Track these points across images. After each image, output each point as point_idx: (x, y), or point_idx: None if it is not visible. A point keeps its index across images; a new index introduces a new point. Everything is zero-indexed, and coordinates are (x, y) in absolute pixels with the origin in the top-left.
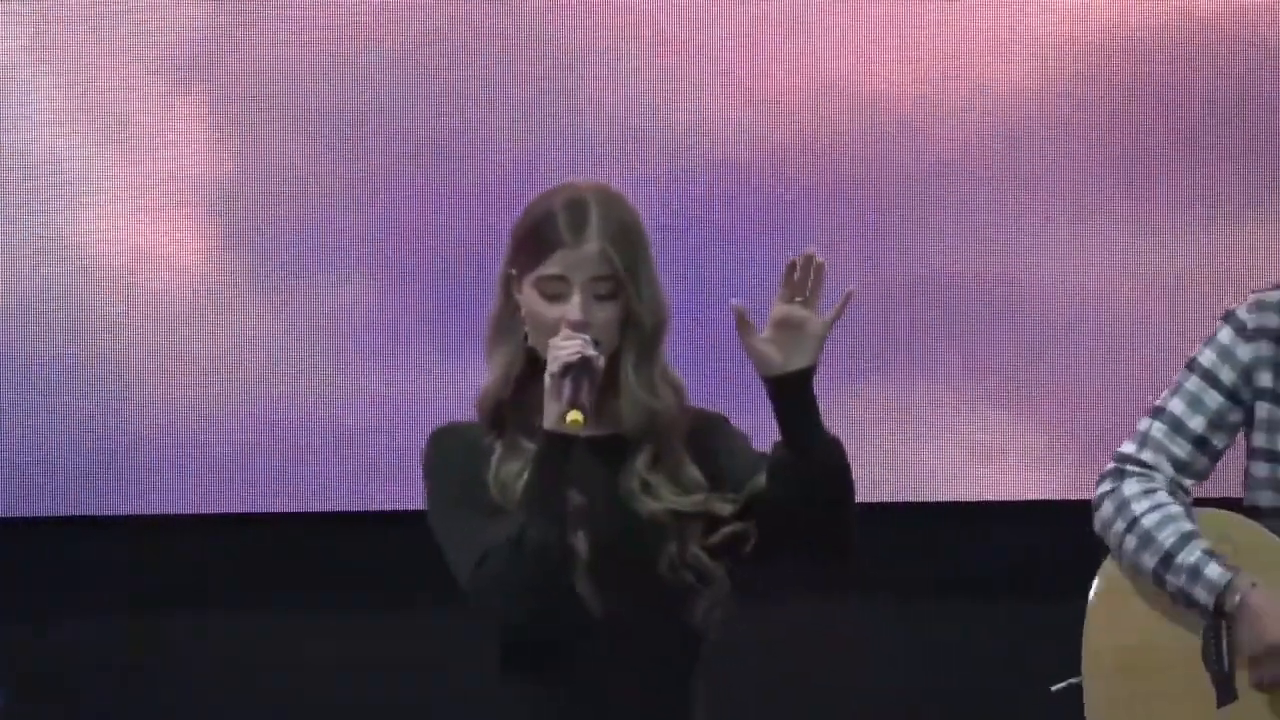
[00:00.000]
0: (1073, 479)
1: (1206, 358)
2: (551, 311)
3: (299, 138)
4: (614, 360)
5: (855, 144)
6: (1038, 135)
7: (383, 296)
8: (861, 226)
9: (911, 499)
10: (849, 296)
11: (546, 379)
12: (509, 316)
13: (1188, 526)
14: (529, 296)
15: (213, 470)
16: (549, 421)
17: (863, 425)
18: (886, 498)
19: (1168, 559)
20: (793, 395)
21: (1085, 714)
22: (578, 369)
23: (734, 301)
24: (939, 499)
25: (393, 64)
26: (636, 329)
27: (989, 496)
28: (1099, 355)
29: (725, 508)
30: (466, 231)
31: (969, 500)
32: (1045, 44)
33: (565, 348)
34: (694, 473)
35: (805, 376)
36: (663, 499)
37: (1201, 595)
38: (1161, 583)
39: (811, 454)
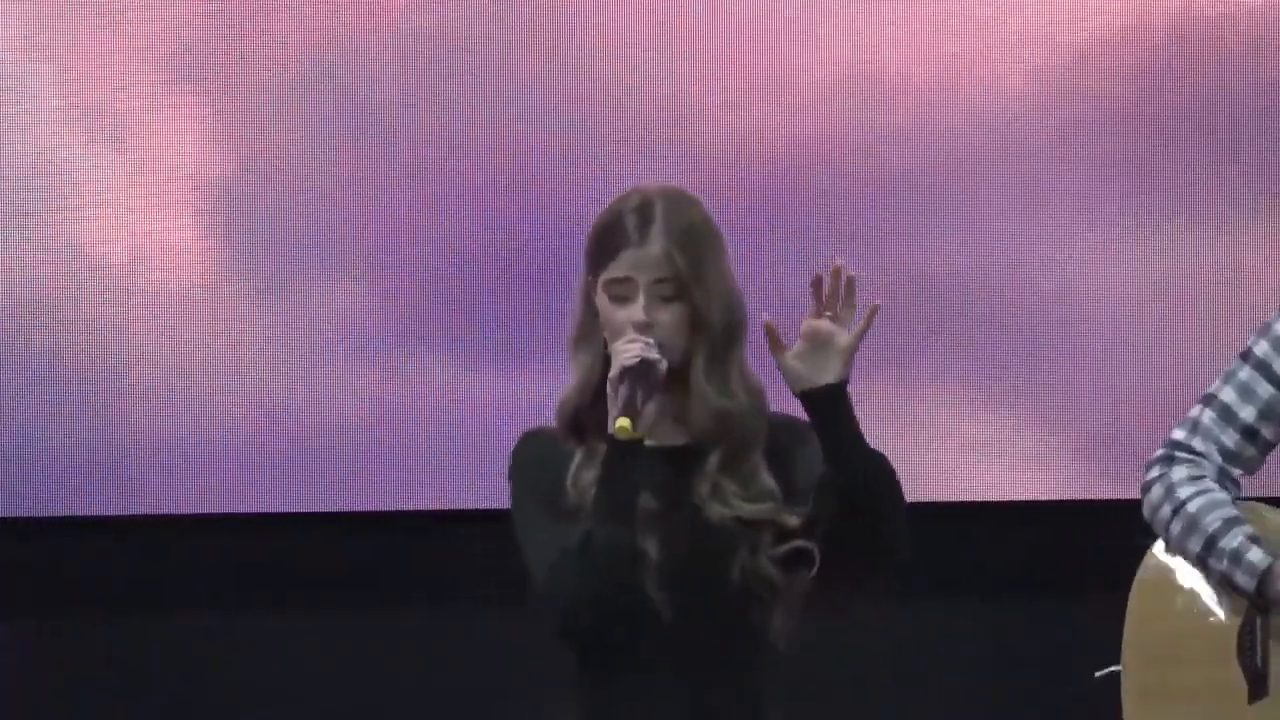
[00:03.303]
0: (1073, 479)
1: (1261, 348)
2: (619, 313)
3: (299, 136)
4: (687, 364)
5: (858, 143)
6: (1041, 136)
7: (383, 296)
8: (864, 226)
9: (911, 499)
10: (874, 310)
11: (608, 384)
12: (589, 323)
13: (1232, 512)
14: (601, 300)
15: (213, 470)
16: (613, 425)
17: (863, 425)
18: None
19: (1211, 543)
20: (825, 411)
21: (1122, 702)
22: (635, 373)
23: (765, 319)
24: (939, 499)
25: (393, 63)
26: (706, 331)
27: (989, 496)
28: (1101, 356)
29: (793, 520)
30: (467, 230)
31: (969, 500)
32: (1049, 44)
33: (625, 351)
34: (767, 480)
35: (835, 391)
36: (731, 505)
37: (1243, 580)
38: (1205, 567)
39: (849, 470)
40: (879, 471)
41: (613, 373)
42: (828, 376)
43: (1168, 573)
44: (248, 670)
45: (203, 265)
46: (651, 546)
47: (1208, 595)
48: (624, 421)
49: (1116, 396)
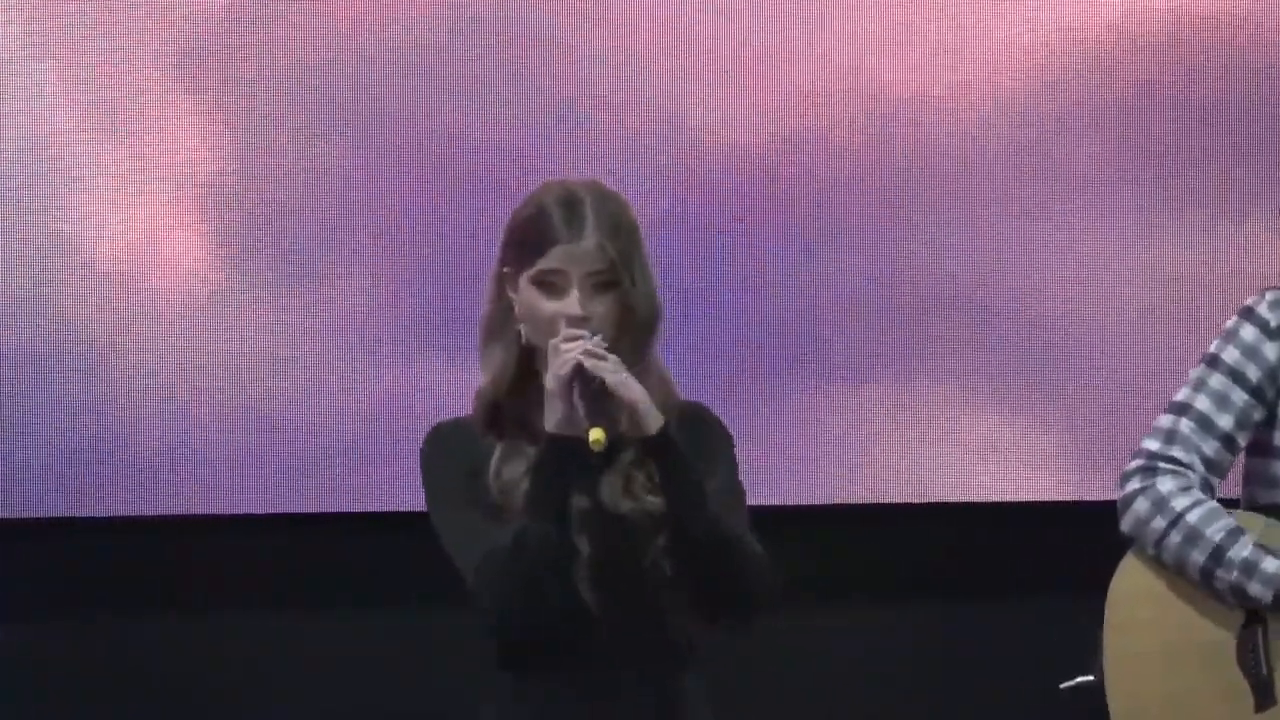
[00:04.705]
0: (1075, 480)
1: (1231, 355)
2: (549, 306)
3: (301, 135)
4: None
5: (859, 143)
6: (1042, 135)
7: (385, 295)
8: (865, 226)
9: (912, 499)
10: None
11: (549, 380)
12: (502, 316)
13: (1233, 522)
14: (526, 293)
15: (213, 471)
16: (551, 424)
17: (864, 425)
18: (887, 498)
19: (1218, 553)
20: (655, 459)
21: (1110, 716)
22: (585, 373)
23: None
24: (940, 499)
25: (396, 62)
26: (632, 323)
27: (990, 497)
28: (1102, 356)
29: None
30: (470, 230)
31: (970, 501)
32: (1050, 43)
33: (571, 348)
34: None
35: (651, 446)
36: (639, 499)
37: (1257, 589)
38: (1210, 578)
39: (679, 524)
40: (711, 534)
41: (560, 371)
42: (640, 430)
43: (1147, 584)
44: (248, 670)
45: (203, 265)
46: (582, 543)
47: (1197, 605)
48: (598, 434)
49: (1118, 397)
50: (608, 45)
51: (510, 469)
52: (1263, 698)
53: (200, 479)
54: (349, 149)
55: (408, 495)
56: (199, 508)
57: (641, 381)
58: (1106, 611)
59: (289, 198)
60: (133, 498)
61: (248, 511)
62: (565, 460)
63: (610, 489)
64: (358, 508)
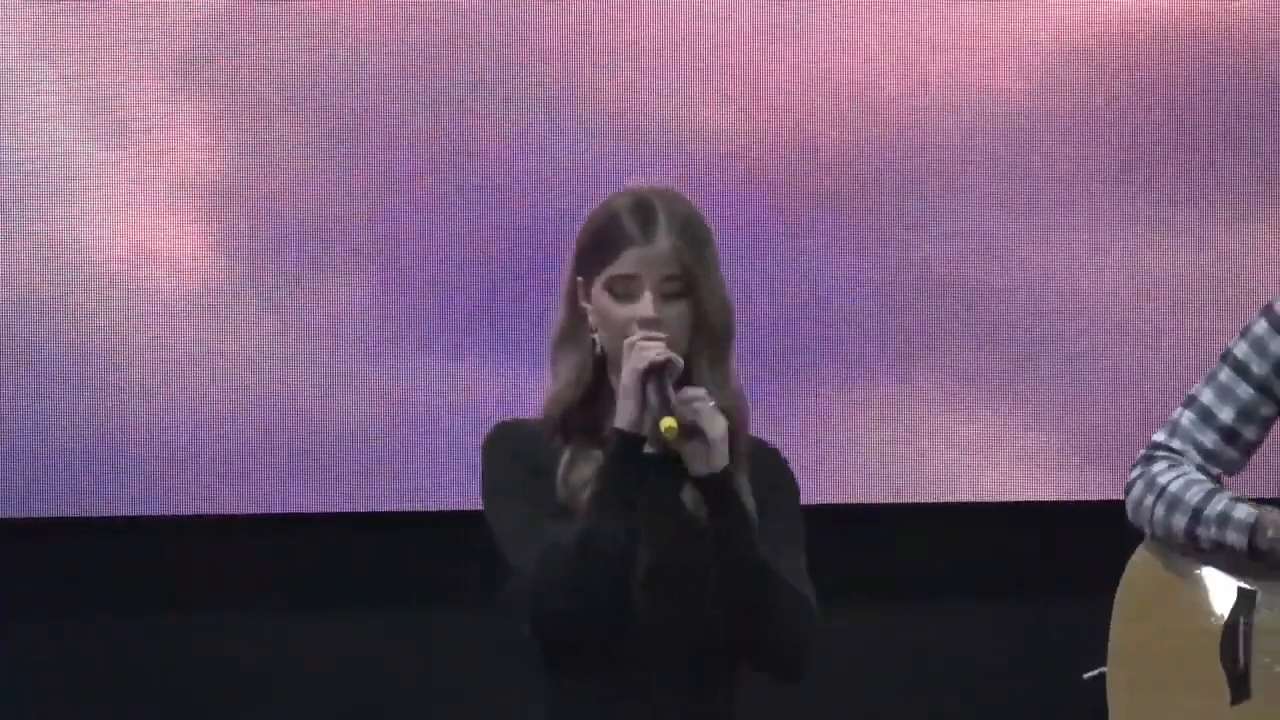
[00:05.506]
0: (1073, 480)
1: (1240, 349)
2: (622, 311)
3: (300, 137)
4: (686, 363)
5: (855, 143)
6: (1038, 135)
7: (384, 296)
8: (862, 226)
9: (911, 499)
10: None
11: (625, 376)
12: (575, 325)
13: (1211, 485)
14: (599, 299)
15: (213, 471)
16: (623, 421)
17: (863, 425)
18: (886, 498)
19: (1197, 513)
20: (706, 501)
21: (1108, 700)
22: (661, 372)
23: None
24: (939, 500)
25: (394, 63)
26: (708, 330)
27: (989, 497)
28: (1100, 356)
29: None
30: (469, 231)
31: (969, 501)
32: (1047, 44)
33: (650, 348)
34: (744, 486)
35: (708, 485)
36: None
37: (1234, 538)
38: (1195, 539)
39: (728, 566)
40: (760, 580)
41: (638, 365)
42: (700, 467)
43: (1153, 574)
44: (247, 671)
45: (203, 265)
46: (644, 549)
47: (1193, 596)
48: (671, 422)
49: (1116, 397)
50: (605, 47)
51: (578, 473)
52: (1238, 690)
53: (200, 479)
54: (348, 150)
55: (408, 495)
56: (198, 508)
57: (723, 394)
58: (1115, 600)
59: (288, 199)
60: (132, 498)
61: (248, 511)
62: (631, 457)
63: (692, 495)
64: (357, 508)
